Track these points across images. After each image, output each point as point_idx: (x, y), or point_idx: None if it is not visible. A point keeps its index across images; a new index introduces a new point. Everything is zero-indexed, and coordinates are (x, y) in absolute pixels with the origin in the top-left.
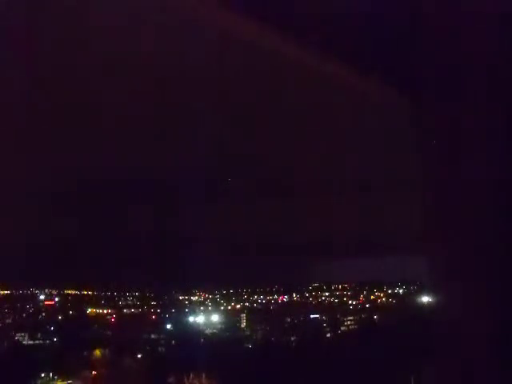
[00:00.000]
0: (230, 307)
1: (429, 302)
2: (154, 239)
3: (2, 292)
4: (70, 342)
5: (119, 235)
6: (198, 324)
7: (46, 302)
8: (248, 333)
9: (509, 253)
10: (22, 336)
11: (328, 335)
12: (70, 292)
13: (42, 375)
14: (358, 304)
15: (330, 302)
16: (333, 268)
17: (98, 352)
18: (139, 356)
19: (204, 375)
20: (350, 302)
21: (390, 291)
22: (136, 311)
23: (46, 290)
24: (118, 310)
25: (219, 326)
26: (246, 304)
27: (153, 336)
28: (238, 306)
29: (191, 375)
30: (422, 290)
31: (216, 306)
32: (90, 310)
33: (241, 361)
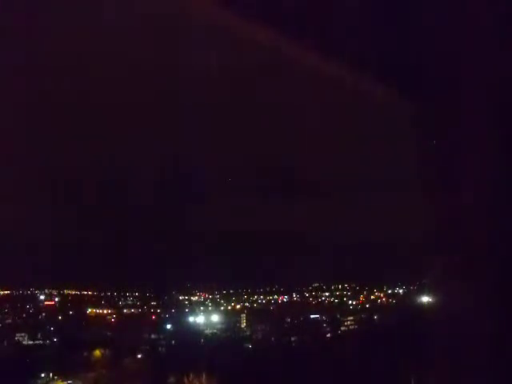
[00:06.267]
0: (230, 307)
1: (429, 301)
2: (154, 238)
3: (2, 292)
4: (70, 342)
5: (119, 235)
6: (198, 324)
7: (46, 302)
8: (248, 333)
9: (508, 253)
10: (21, 336)
11: (328, 335)
12: (70, 292)
13: (42, 375)
14: (358, 304)
15: (329, 301)
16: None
17: (97, 352)
18: (139, 356)
19: (204, 375)
20: (350, 302)
21: (389, 291)
22: (136, 311)
23: (46, 290)
24: (117, 309)
25: (219, 326)
26: (246, 304)
27: (153, 336)
28: (238, 306)
29: (191, 375)
30: (422, 290)
31: (216, 305)
32: (90, 309)
33: (241, 361)
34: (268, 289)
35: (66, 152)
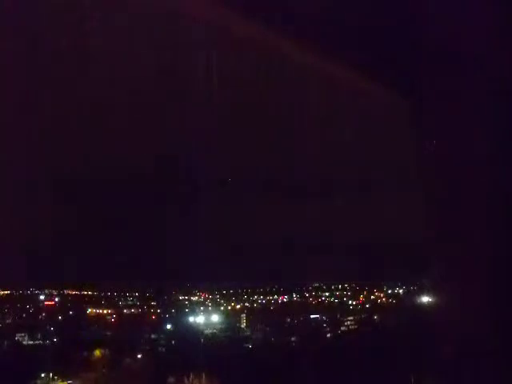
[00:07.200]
0: (230, 307)
1: (429, 302)
2: (154, 238)
3: (2, 292)
4: (70, 342)
5: (120, 235)
6: (198, 324)
7: (46, 302)
8: (248, 333)
9: (508, 254)
10: (21, 336)
11: (328, 335)
12: (70, 292)
13: (42, 375)
14: (358, 304)
15: (329, 301)
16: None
17: (98, 352)
18: (139, 356)
19: (204, 375)
20: (350, 302)
21: (389, 291)
22: (136, 311)
23: (46, 290)
24: (117, 309)
25: (219, 326)
26: (246, 304)
27: (153, 336)
28: (238, 306)
29: (191, 375)
30: (422, 290)
31: (216, 305)
32: (90, 310)
33: (241, 361)
34: (268, 289)
35: (67, 152)
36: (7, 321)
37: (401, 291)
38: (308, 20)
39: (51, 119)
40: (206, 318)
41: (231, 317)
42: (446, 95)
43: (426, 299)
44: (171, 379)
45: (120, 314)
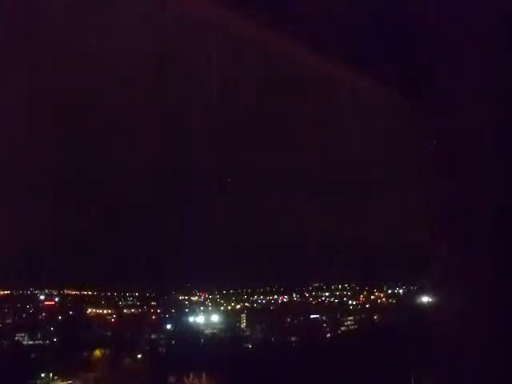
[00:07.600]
0: (230, 307)
1: (429, 302)
2: (154, 238)
3: (2, 292)
4: (70, 342)
5: (120, 235)
6: (198, 324)
7: (46, 302)
8: (248, 333)
9: (508, 253)
10: (21, 336)
11: (328, 335)
12: (70, 292)
13: (42, 375)
14: (358, 304)
15: (329, 301)
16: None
17: (98, 352)
18: (139, 356)
19: (204, 375)
20: (350, 302)
21: (390, 291)
22: (136, 311)
23: (46, 290)
24: (117, 310)
25: (219, 326)
26: (246, 304)
27: (153, 336)
28: (238, 306)
29: (191, 375)
30: (422, 290)
31: (216, 305)
32: (90, 310)
33: (241, 361)
34: (268, 289)
35: (67, 152)
36: (7, 321)
37: (401, 291)
38: (308, 20)
39: (52, 119)
40: (205, 318)
41: (231, 317)
42: (446, 95)
43: (426, 299)
44: (171, 379)
45: (120, 314)
